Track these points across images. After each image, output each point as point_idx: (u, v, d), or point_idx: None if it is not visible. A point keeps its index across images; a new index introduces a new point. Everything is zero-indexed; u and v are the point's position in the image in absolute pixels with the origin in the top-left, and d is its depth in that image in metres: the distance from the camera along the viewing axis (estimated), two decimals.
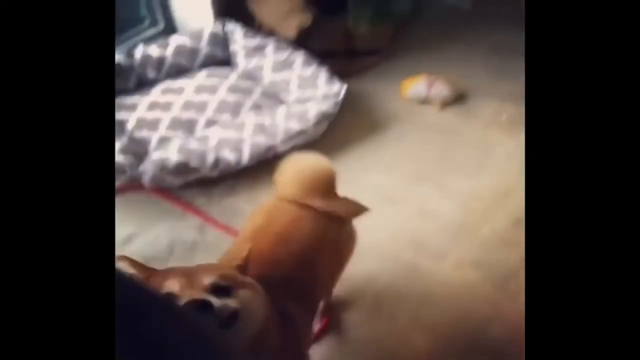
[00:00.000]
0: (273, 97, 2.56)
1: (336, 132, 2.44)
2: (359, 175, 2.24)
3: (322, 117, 2.37)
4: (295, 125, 2.32)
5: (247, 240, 1.41)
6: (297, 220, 1.50)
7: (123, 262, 1.20)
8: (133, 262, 1.19)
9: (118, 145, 2.13)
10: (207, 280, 1.11)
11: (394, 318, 1.79)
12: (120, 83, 2.49)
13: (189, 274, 1.13)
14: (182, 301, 1.06)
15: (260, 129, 2.29)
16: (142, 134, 2.30)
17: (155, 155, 2.15)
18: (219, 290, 1.11)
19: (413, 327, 1.77)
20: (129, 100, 2.46)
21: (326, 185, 1.60)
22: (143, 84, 2.57)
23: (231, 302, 1.10)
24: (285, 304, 1.30)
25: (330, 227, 1.55)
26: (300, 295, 1.41)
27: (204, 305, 1.06)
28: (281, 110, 2.43)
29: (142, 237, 2.05)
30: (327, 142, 2.39)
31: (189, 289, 1.09)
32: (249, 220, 1.54)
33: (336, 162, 2.24)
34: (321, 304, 1.63)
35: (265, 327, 1.17)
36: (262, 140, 2.25)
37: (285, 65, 2.63)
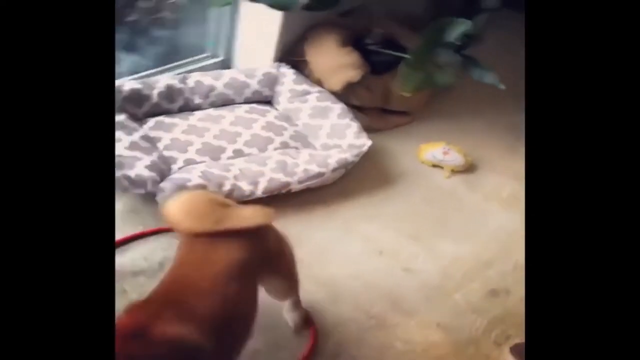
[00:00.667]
0: (302, 140, 2.84)
1: (349, 179, 2.72)
2: (358, 224, 2.51)
3: (342, 165, 2.64)
4: (314, 168, 2.58)
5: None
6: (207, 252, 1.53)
7: None
8: None
9: (148, 161, 2.43)
10: None
11: None
12: (166, 104, 2.83)
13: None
14: None
15: (281, 166, 2.54)
16: (171, 153, 2.60)
17: (176, 175, 2.43)
18: None
19: None
20: (169, 120, 2.78)
21: (214, 208, 1.60)
22: (187, 108, 2.90)
23: None
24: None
25: (242, 245, 1.57)
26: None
27: None
28: (305, 153, 2.70)
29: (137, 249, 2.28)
30: (339, 187, 2.68)
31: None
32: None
33: (341, 207, 2.56)
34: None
35: None
36: (280, 177, 2.50)
37: (322, 113, 2.91)
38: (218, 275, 1.47)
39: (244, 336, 1.56)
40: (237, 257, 1.52)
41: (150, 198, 2.45)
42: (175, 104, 2.90)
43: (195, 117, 2.84)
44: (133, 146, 2.51)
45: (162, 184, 2.40)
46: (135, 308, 1.37)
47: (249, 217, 1.61)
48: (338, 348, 1.99)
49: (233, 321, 1.48)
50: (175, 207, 1.57)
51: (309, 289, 2.16)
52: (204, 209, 1.58)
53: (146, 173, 2.39)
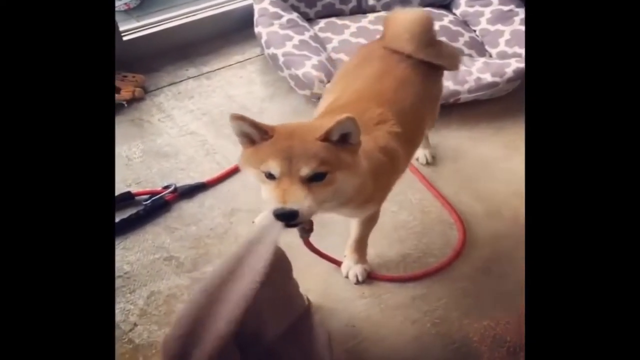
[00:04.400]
0: (477, 47, 2.94)
1: (520, 94, 2.75)
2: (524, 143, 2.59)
3: (519, 76, 2.70)
4: (488, 77, 2.68)
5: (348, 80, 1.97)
6: (412, 68, 1.95)
7: (241, 121, 1.49)
8: (251, 122, 1.48)
9: (315, 60, 2.68)
10: (306, 170, 1.43)
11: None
12: (339, 4, 3.07)
13: (291, 156, 1.44)
14: (270, 207, 1.41)
15: (452, 73, 2.60)
16: (339, 56, 2.82)
17: None
18: (315, 177, 1.45)
19: None
20: (340, 22, 3.01)
21: (430, 36, 2.03)
22: (360, 10, 3.10)
23: (314, 204, 1.44)
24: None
25: (433, 78, 2.08)
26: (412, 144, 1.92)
27: (288, 218, 1.42)
28: (480, 61, 2.79)
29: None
30: (508, 102, 2.77)
31: (286, 177, 1.44)
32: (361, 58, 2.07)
33: (507, 123, 2.67)
34: None
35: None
36: (449, 85, 2.62)
37: (504, 18, 2.97)
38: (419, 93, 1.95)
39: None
40: (430, 87, 2.05)
41: (314, 103, 2.69)
42: (348, 5, 3.11)
43: (367, 20, 3.03)
44: (302, 45, 2.78)
45: (328, 85, 2.61)
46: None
47: (454, 64, 2.16)
48: (490, 262, 2.14)
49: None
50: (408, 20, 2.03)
51: (466, 201, 2.34)
52: (429, 37, 2.02)
53: (314, 72, 2.64)
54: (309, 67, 2.65)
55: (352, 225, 2.00)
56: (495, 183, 2.42)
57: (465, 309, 1.99)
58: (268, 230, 1.42)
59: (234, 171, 2.43)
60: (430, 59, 2.00)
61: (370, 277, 2.06)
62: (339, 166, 1.49)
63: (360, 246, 2.04)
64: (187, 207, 2.31)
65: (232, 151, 2.51)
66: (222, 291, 1.31)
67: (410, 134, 1.87)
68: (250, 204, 2.30)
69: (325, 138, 1.48)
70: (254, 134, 1.51)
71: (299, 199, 1.42)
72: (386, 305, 1.99)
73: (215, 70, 2.98)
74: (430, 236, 2.22)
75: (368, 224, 1.97)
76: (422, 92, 1.97)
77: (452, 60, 2.15)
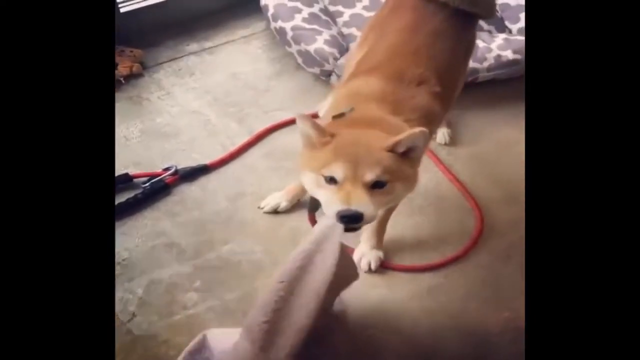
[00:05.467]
0: (497, 23, 2.86)
1: None
2: None
3: None
4: (509, 55, 2.62)
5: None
6: (447, 20, 1.93)
7: (305, 121, 1.55)
8: (314, 124, 1.55)
9: (327, 35, 2.63)
10: (370, 176, 1.50)
11: None
12: None
13: (356, 161, 1.50)
14: (335, 207, 1.47)
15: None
16: (351, 30, 2.76)
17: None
18: (376, 184, 1.52)
19: None
20: None
21: None
22: None
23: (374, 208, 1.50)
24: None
25: (468, 31, 2.07)
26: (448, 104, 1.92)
27: (353, 220, 1.47)
28: (500, 37, 2.72)
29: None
30: None
31: (349, 181, 1.50)
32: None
33: None
34: None
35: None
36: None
37: None
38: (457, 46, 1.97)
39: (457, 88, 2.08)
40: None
41: (322, 80, 2.66)
42: None
43: None
44: (312, 18, 2.72)
45: (339, 61, 2.58)
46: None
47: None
48: (510, 249, 2.10)
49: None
50: None
51: (484, 185, 2.29)
52: None
53: (327, 48, 2.59)
54: (321, 43, 2.60)
55: None
56: (514, 168, 2.35)
57: (484, 300, 1.96)
58: (331, 230, 1.45)
59: (239, 153, 2.39)
60: (466, 7, 1.97)
61: (383, 267, 2.02)
62: (399, 177, 1.56)
63: (380, 230, 2.01)
64: (189, 191, 2.27)
65: (236, 131, 2.47)
66: (297, 285, 1.35)
67: (449, 93, 1.89)
68: (255, 188, 2.26)
69: (392, 149, 1.54)
70: (313, 136, 1.57)
71: (364, 202, 1.49)
72: (401, 296, 1.96)
73: (218, 45, 2.91)
74: (447, 223, 2.18)
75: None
76: (457, 47, 1.98)
77: (488, 6, 2.14)
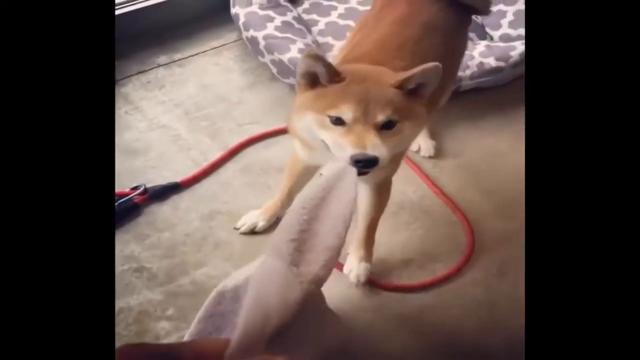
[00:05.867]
0: (477, 30, 2.81)
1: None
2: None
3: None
4: (492, 62, 2.56)
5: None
6: (442, 12, 1.88)
7: (314, 60, 1.47)
8: (325, 62, 1.47)
9: (302, 44, 2.54)
10: (381, 117, 1.44)
11: None
12: None
13: (367, 101, 1.43)
14: (348, 151, 1.39)
15: None
16: (327, 39, 2.69)
17: None
18: (387, 125, 1.46)
19: None
20: (326, 2, 2.88)
21: None
22: None
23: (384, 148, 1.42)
24: None
25: (461, 28, 2.03)
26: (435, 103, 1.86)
27: (369, 164, 1.40)
28: (482, 44, 2.67)
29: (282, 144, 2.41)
30: (516, 89, 2.62)
31: (359, 123, 1.43)
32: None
33: (518, 113, 2.54)
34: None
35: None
36: None
37: None
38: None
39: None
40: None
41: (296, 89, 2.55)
42: None
43: (355, 0, 2.91)
44: (285, 27, 2.63)
45: None
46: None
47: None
48: (504, 265, 2.02)
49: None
50: None
51: (472, 198, 2.20)
52: None
53: (297, 57, 2.48)
54: (295, 52, 2.50)
55: (359, 214, 1.88)
56: (504, 178, 2.28)
57: (479, 321, 1.86)
58: (344, 172, 1.34)
59: (212, 169, 2.27)
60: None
61: (372, 284, 1.93)
62: (407, 116, 1.49)
63: (369, 238, 1.91)
64: (159, 211, 2.14)
65: (209, 146, 2.36)
66: (320, 212, 1.26)
67: (434, 93, 1.79)
68: (230, 206, 2.15)
69: (401, 85, 1.48)
70: (323, 75, 1.49)
71: (379, 145, 1.42)
72: (390, 318, 1.85)
73: (188, 57, 2.80)
74: (435, 239, 2.08)
75: (379, 203, 1.85)
76: (448, 44, 1.90)
77: (484, 1, 2.10)
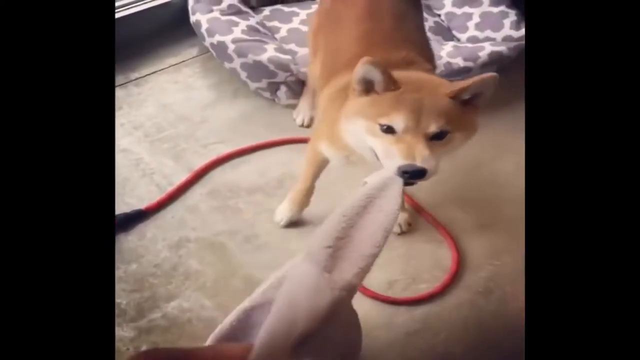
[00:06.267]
0: (443, 33, 2.78)
1: (502, 82, 2.59)
2: (512, 140, 2.39)
3: (494, 60, 2.55)
4: (460, 62, 2.53)
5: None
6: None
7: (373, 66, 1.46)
8: (383, 69, 1.46)
9: (275, 45, 2.50)
10: (433, 127, 1.41)
11: None
12: None
13: (419, 111, 1.41)
14: (397, 161, 1.37)
15: None
16: (290, 47, 2.63)
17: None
18: (438, 135, 1.44)
19: None
20: (287, 9, 2.83)
21: None
22: None
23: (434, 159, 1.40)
24: None
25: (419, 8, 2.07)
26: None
27: (417, 175, 1.38)
28: (449, 45, 2.64)
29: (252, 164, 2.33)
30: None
31: (410, 132, 1.41)
32: None
33: (492, 118, 2.48)
34: None
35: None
36: None
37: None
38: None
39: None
40: None
41: (265, 105, 2.50)
42: None
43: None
44: (252, 31, 2.57)
45: (299, 55, 2.50)
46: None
47: None
48: (490, 282, 1.96)
49: None
50: None
51: (454, 213, 2.14)
52: None
53: (282, 55, 2.45)
54: (272, 52, 2.44)
55: None
56: (484, 189, 2.25)
57: (470, 343, 1.80)
58: (391, 181, 1.34)
59: (178, 193, 2.18)
60: None
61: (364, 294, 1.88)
62: (459, 126, 1.47)
63: None
64: (125, 241, 2.03)
65: (173, 169, 2.26)
66: (360, 220, 1.26)
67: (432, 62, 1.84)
68: (200, 232, 2.06)
69: (456, 96, 1.46)
70: (380, 83, 1.48)
71: (428, 157, 1.40)
72: (377, 346, 1.77)
73: (145, 76, 2.70)
74: (418, 258, 2.01)
75: None
76: (420, 23, 2.00)
77: None
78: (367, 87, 1.51)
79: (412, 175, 1.37)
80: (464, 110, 1.48)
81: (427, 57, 1.88)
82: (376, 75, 1.46)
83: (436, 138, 1.43)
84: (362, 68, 1.46)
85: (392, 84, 1.46)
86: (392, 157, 1.41)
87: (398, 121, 1.42)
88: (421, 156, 1.38)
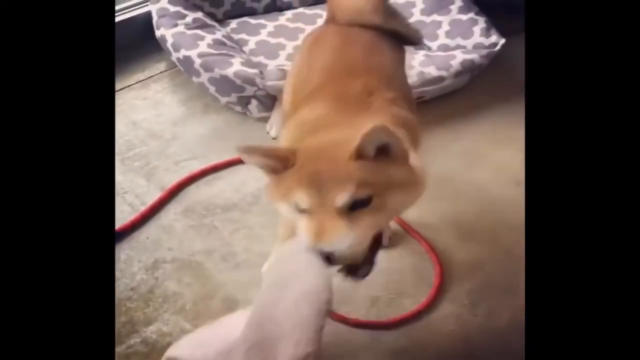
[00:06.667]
0: None
1: (476, 90, 2.64)
2: (488, 149, 2.43)
3: (467, 69, 2.57)
4: (432, 71, 2.53)
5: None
6: (377, 36, 1.87)
7: (250, 155, 1.35)
8: (264, 152, 1.35)
9: (241, 58, 2.48)
10: (343, 198, 1.24)
11: None
12: (250, 2, 2.88)
13: (319, 184, 1.26)
14: (306, 244, 1.24)
15: None
16: (259, 59, 2.62)
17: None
18: (357, 204, 1.25)
19: None
20: (255, 21, 2.83)
21: (390, 4, 2.03)
22: (274, 8, 2.93)
23: (357, 245, 1.26)
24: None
25: (400, 51, 1.99)
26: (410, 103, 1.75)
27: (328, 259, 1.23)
28: (421, 54, 2.64)
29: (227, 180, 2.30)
30: (462, 100, 2.61)
31: (320, 209, 1.26)
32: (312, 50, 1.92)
33: (466, 127, 2.49)
34: None
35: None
36: None
37: (440, 7, 2.85)
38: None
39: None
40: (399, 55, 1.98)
41: (237, 119, 2.48)
42: (261, 2, 2.92)
43: (285, 17, 2.87)
44: (218, 45, 2.54)
45: (268, 69, 2.48)
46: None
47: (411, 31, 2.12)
48: (474, 294, 1.94)
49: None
50: None
51: (434, 225, 2.13)
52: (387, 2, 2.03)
53: (249, 69, 2.41)
54: (238, 65, 2.41)
55: None
56: (462, 200, 2.24)
57: (458, 356, 1.78)
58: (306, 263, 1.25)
59: (151, 213, 2.14)
60: (399, 28, 1.97)
61: (337, 320, 1.83)
62: (387, 186, 1.29)
63: None
64: None
65: (145, 188, 2.23)
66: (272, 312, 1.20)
67: (406, 96, 1.74)
68: (176, 253, 2.03)
69: (358, 156, 1.28)
70: (271, 165, 1.36)
71: (337, 237, 1.24)
72: None
73: None
74: (401, 272, 1.99)
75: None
76: (394, 57, 1.89)
77: (416, 32, 2.13)
78: (271, 167, 1.38)
79: (329, 256, 1.24)
80: (386, 166, 1.31)
81: (399, 85, 1.75)
82: (259, 161, 1.37)
83: (361, 206, 1.26)
84: (246, 158, 1.37)
85: (286, 160, 1.34)
86: (303, 239, 1.28)
87: (301, 198, 1.28)
88: (327, 237, 1.24)
